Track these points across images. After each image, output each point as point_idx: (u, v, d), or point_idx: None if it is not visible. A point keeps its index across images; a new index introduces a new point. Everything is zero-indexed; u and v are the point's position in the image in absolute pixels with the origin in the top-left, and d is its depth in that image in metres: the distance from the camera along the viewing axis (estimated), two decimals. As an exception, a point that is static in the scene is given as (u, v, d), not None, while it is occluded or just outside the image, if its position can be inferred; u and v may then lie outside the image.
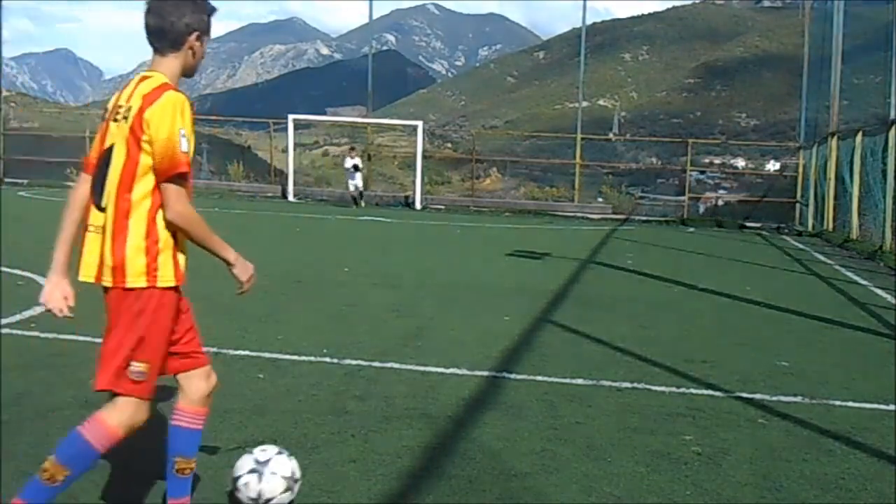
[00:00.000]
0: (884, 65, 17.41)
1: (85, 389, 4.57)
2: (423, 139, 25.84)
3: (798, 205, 24.19)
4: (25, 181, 26.01)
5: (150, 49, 2.76)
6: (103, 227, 2.63)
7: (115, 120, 2.67)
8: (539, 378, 5.19)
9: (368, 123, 28.68)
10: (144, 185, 2.61)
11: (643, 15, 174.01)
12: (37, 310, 6.53)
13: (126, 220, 2.61)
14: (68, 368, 4.96)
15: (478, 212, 24.10)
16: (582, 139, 26.57)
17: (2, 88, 32.20)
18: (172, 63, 2.73)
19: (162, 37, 2.70)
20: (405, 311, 7.41)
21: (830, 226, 19.43)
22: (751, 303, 8.91)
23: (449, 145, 50.12)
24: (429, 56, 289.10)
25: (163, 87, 2.64)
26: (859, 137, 17.13)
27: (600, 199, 28.45)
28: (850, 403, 5.00)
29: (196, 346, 2.89)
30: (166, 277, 2.66)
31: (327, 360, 5.46)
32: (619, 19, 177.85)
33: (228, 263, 2.79)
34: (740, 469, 3.81)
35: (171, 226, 2.63)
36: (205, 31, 2.77)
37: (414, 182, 25.21)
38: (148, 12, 2.70)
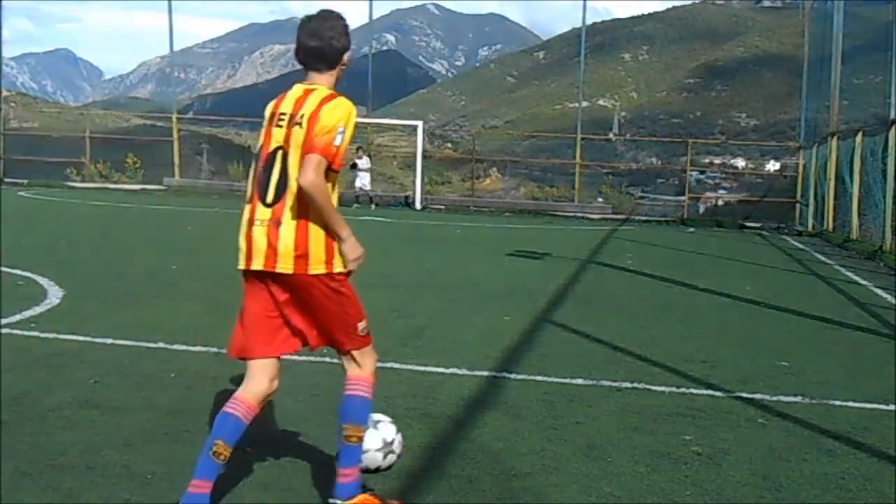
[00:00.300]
0: (884, 65, 17.42)
1: (85, 389, 4.58)
2: (423, 139, 25.85)
3: (798, 205, 24.20)
4: (25, 181, 26.01)
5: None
6: (275, 221, 2.93)
7: (279, 125, 3.00)
8: (539, 378, 5.19)
9: (368, 123, 28.67)
10: None
11: (643, 15, 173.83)
12: (37, 310, 6.53)
13: (307, 214, 2.92)
14: (68, 368, 4.95)
15: (478, 212, 24.10)
16: (582, 139, 26.57)
17: (2, 88, 32.20)
18: (329, 79, 3.11)
19: (321, 57, 3.08)
20: (405, 311, 7.40)
21: (830, 226, 19.43)
22: (751, 303, 8.91)
23: (449, 145, 50.14)
24: (429, 56, 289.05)
25: (334, 95, 3.04)
26: (859, 137, 17.13)
27: (600, 199, 28.49)
28: (850, 403, 4.99)
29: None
30: (339, 265, 3.01)
31: (327, 360, 5.44)
32: (619, 19, 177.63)
33: (340, 239, 2.98)
34: (740, 469, 3.81)
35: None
36: (349, 48, 3.14)
37: (414, 182, 25.21)
38: (308, 36, 3.06)
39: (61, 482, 3.29)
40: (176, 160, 27.66)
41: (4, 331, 5.74)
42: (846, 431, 4.44)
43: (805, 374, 5.70)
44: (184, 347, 5.55)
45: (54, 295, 7.17)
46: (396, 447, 3.44)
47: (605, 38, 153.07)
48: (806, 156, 24.12)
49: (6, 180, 25.92)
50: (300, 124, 2.93)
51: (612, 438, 4.15)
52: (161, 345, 5.59)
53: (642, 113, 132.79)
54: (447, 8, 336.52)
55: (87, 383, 4.67)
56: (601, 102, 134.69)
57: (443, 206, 24.80)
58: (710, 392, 5.13)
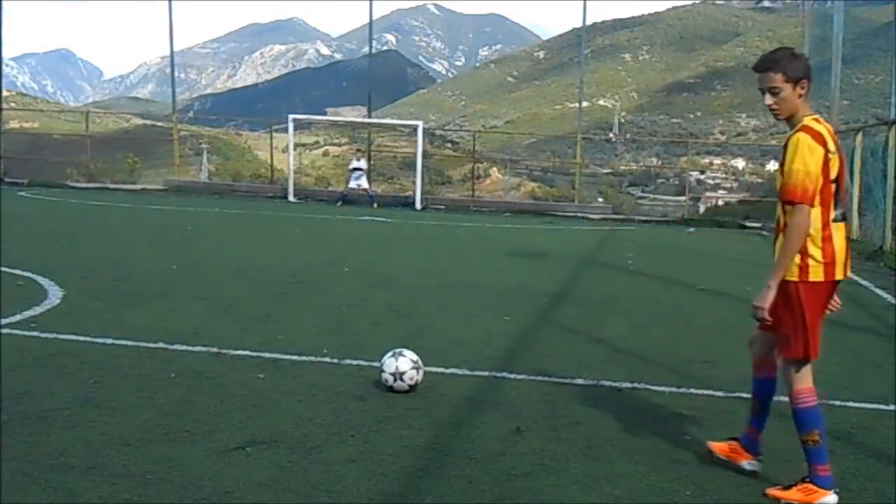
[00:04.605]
0: (884, 65, 17.41)
1: (85, 389, 4.58)
2: (423, 139, 25.83)
3: (798, 205, 24.16)
4: (25, 181, 26.00)
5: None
6: (846, 235, 3.50)
7: (832, 155, 3.38)
8: (539, 378, 5.19)
9: (368, 123, 28.67)
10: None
11: (643, 15, 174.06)
12: (37, 310, 6.53)
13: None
14: (68, 368, 4.95)
15: (478, 212, 24.08)
16: (582, 139, 26.59)
17: (2, 88, 32.19)
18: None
19: None
20: (405, 311, 7.40)
21: (830, 226, 19.42)
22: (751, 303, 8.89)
23: (449, 145, 50.10)
24: (429, 56, 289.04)
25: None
26: (859, 137, 17.12)
27: (600, 199, 28.52)
28: (850, 403, 5.00)
29: None
30: None
31: (327, 360, 5.45)
32: (619, 19, 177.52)
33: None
34: (740, 469, 3.80)
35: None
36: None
37: (414, 182, 25.21)
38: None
39: (61, 482, 3.29)
40: (176, 160, 27.66)
41: (4, 331, 5.74)
42: (846, 431, 4.44)
43: (805, 374, 5.68)
44: (184, 347, 5.55)
45: (54, 295, 7.17)
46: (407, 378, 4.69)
47: (605, 38, 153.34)
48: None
49: (6, 180, 25.88)
50: (837, 153, 3.41)
51: (612, 438, 4.15)
52: (161, 345, 5.59)
53: (642, 113, 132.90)
54: (447, 8, 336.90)
55: (87, 383, 4.67)
56: (601, 102, 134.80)
57: (443, 206, 24.79)
58: (710, 392, 5.13)
